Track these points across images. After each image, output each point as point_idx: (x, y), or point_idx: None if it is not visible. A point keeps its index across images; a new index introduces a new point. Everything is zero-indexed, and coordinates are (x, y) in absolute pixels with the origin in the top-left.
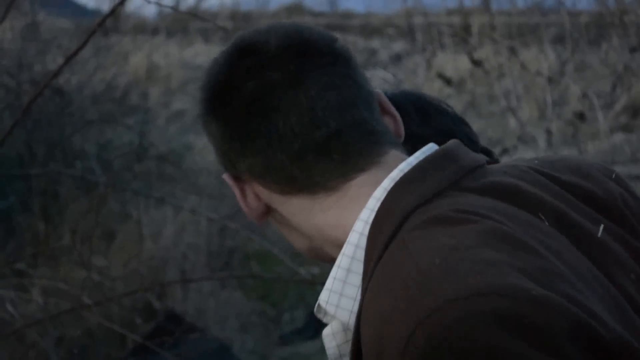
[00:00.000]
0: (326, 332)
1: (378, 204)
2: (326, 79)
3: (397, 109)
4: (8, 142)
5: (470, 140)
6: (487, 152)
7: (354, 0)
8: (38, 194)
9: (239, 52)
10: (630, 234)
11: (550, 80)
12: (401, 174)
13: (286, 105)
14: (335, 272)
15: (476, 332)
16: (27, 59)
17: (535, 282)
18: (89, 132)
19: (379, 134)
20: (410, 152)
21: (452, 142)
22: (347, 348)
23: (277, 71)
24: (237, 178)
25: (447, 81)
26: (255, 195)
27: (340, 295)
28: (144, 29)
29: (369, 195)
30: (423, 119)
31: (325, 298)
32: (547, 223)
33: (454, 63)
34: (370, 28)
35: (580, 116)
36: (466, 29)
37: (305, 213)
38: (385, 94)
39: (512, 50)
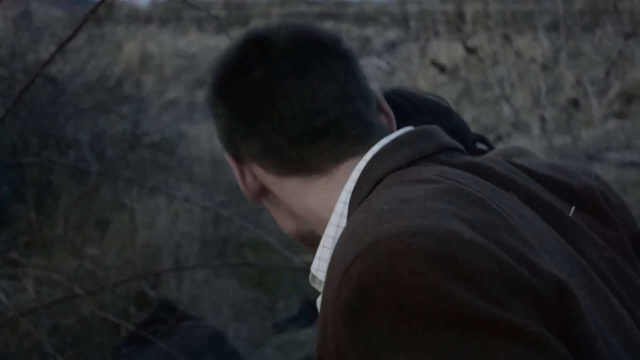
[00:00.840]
0: (319, 299)
1: (358, 174)
2: (330, 72)
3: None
4: (1, 131)
5: (454, 132)
6: (481, 139)
7: None
8: (31, 183)
9: (250, 43)
10: (606, 225)
11: (544, 67)
12: (380, 147)
13: (291, 93)
14: (324, 241)
15: (403, 267)
16: (20, 48)
17: (473, 230)
18: (82, 121)
19: (374, 126)
20: None
21: (432, 125)
22: None
23: (285, 62)
24: (237, 159)
25: (441, 69)
26: (253, 176)
27: (327, 262)
28: (137, 17)
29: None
30: (400, 118)
31: (316, 266)
32: (517, 198)
33: (448, 51)
34: (364, 16)
35: (574, 103)
36: (460, 16)
37: (298, 194)
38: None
39: (506, 38)
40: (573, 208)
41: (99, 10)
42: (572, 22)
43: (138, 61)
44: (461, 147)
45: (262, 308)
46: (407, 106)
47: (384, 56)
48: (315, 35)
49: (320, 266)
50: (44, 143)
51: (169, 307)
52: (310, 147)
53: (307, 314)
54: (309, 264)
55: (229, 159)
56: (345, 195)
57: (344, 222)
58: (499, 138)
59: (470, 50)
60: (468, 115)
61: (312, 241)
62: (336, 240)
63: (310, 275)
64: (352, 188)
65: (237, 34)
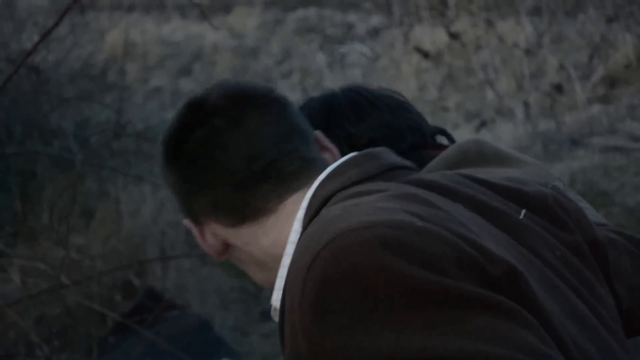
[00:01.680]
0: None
1: (307, 202)
2: (262, 118)
3: (332, 111)
4: None
5: (413, 128)
6: (441, 132)
7: None
8: (16, 173)
9: (189, 108)
10: (561, 230)
11: (527, 52)
12: (326, 175)
13: (228, 143)
14: (281, 272)
15: (363, 256)
16: (2, 37)
17: (424, 220)
18: (66, 110)
19: (312, 161)
20: (347, 153)
21: (379, 148)
22: None
23: (219, 117)
24: (195, 221)
25: (425, 55)
26: (212, 234)
27: None
28: (120, 5)
29: (301, 209)
30: (357, 116)
31: (276, 297)
32: (463, 207)
33: (431, 36)
34: (346, 2)
35: (558, 88)
36: (443, 1)
37: (254, 240)
38: (320, 95)
39: (489, 23)
40: (524, 211)
41: None
42: (555, 7)
43: (121, 49)
44: (411, 165)
45: (248, 296)
46: (365, 104)
47: (367, 42)
48: (247, 88)
49: (277, 296)
50: (28, 133)
51: (155, 296)
52: (254, 190)
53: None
54: None
55: (187, 222)
56: (297, 224)
57: None
58: (483, 124)
59: (454, 36)
60: (452, 101)
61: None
62: None
63: (271, 309)
64: (300, 228)
65: (220, 21)
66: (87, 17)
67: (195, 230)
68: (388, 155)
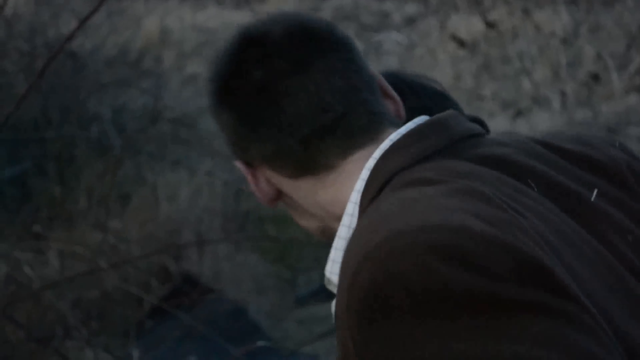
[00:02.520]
0: (334, 302)
1: (368, 173)
2: (330, 64)
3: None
4: (23, 107)
5: None
6: (477, 121)
7: None
8: (53, 158)
9: (244, 43)
10: (631, 199)
11: (564, 41)
12: (390, 143)
13: (294, 91)
14: (336, 242)
15: (411, 263)
16: (40, 23)
17: (485, 224)
18: (103, 96)
19: (380, 115)
20: None
21: (446, 112)
22: None
23: (283, 59)
24: (248, 164)
25: (461, 43)
26: (266, 180)
27: (339, 264)
28: None
29: (362, 169)
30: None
31: (329, 268)
32: (535, 190)
33: (467, 25)
34: None
35: (595, 77)
36: None
37: (311, 193)
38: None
39: (526, 12)
40: (595, 191)
41: None
42: None
43: (158, 36)
44: (480, 130)
45: (283, 282)
46: (404, 88)
47: (402, 31)
48: (310, 26)
49: (333, 268)
50: (65, 118)
51: (191, 280)
52: (319, 145)
53: (328, 289)
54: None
55: (239, 165)
56: (355, 196)
57: (354, 223)
58: (519, 113)
59: (490, 25)
60: (488, 90)
61: (332, 237)
62: (345, 240)
63: (325, 279)
64: (362, 188)
65: (257, 8)
66: (123, 4)
67: (247, 174)
68: (456, 122)
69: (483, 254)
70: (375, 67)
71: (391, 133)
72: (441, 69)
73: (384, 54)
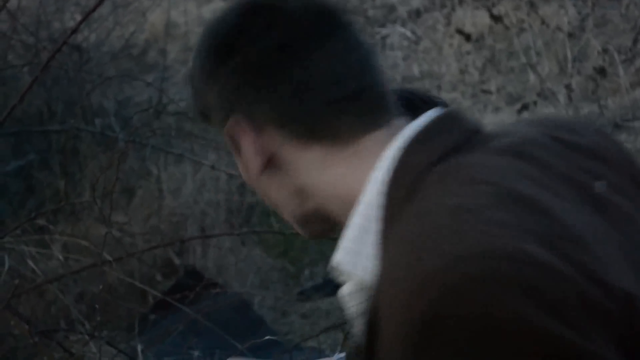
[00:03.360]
0: (343, 292)
1: (393, 164)
2: (345, 41)
3: None
4: (27, 99)
5: None
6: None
7: None
8: (57, 151)
9: (254, 7)
10: (633, 186)
11: (570, 35)
12: (414, 133)
13: (315, 58)
14: (350, 231)
15: (477, 294)
16: (45, 16)
17: (544, 247)
18: (107, 89)
19: (391, 101)
20: None
21: (453, 107)
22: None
23: (299, 27)
24: (248, 124)
25: (467, 37)
26: (260, 146)
27: (355, 254)
28: None
29: (377, 154)
30: None
31: (341, 257)
32: (558, 181)
33: (473, 19)
34: None
35: (601, 72)
36: None
37: (317, 166)
38: None
39: (532, 5)
40: (596, 184)
41: None
42: None
43: (163, 29)
44: (479, 127)
45: (288, 276)
46: (419, 104)
47: (408, 24)
48: (323, 3)
49: (346, 258)
50: (70, 111)
51: (195, 274)
52: (343, 111)
53: (332, 283)
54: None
55: (231, 124)
56: (375, 185)
57: (373, 213)
58: (525, 107)
59: (496, 18)
60: (493, 84)
61: (312, 221)
62: (364, 231)
63: (332, 268)
64: (387, 179)
65: None
66: None
67: (238, 136)
68: (465, 116)
69: (550, 288)
70: (381, 61)
71: (402, 121)
72: (446, 63)
73: (389, 48)
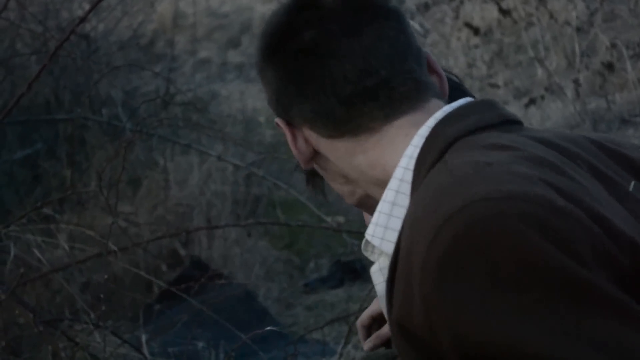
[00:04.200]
0: (374, 268)
1: (422, 141)
2: (380, 31)
3: None
4: (35, 88)
5: None
6: None
7: None
8: (64, 140)
9: (298, 4)
10: None
11: (578, 30)
12: (444, 114)
13: (341, 53)
14: (381, 206)
15: (498, 229)
16: (53, 5)
17: (562, 196)
18: (115, 79)
19: (425, 85)
20: None
21: (489, 98)
22: None
23: (335, 22)
24: (288, 123)
25: (475, 30)
26: (304, 140)
27: (385, 228)
28: None
29: (407, 135)
30: None
31: (371, 232)
32: (584, 170)
33: (481, 12)
34: None
35: (609, 67)
36: None
37: (348, 155)
38: None
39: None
40: (633, 183)
41: None
42: None
43: (171, 20)
44: (519, 120)
45: (293, 268)
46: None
47: (417, 17)
48: None
49: (376, 232)
50: (77, 100)
51: (201, 265)
52: (361, 107)
53: (337, 275)
54: (341, 224)
55: (279, 122)
56: (406, 161)
57: (404, 188)
58: (532, 101)
59: (504, 12)
60: (501, 77)
61: (367, 204)
62: (394, 205)
63: (363, 242)
64: (416, 154)
65: None
66: None
67: (286, 132)
68: (502, 106)
69: (565, 229)
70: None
71: (438, 104)
72: (454, 56)
73: None
